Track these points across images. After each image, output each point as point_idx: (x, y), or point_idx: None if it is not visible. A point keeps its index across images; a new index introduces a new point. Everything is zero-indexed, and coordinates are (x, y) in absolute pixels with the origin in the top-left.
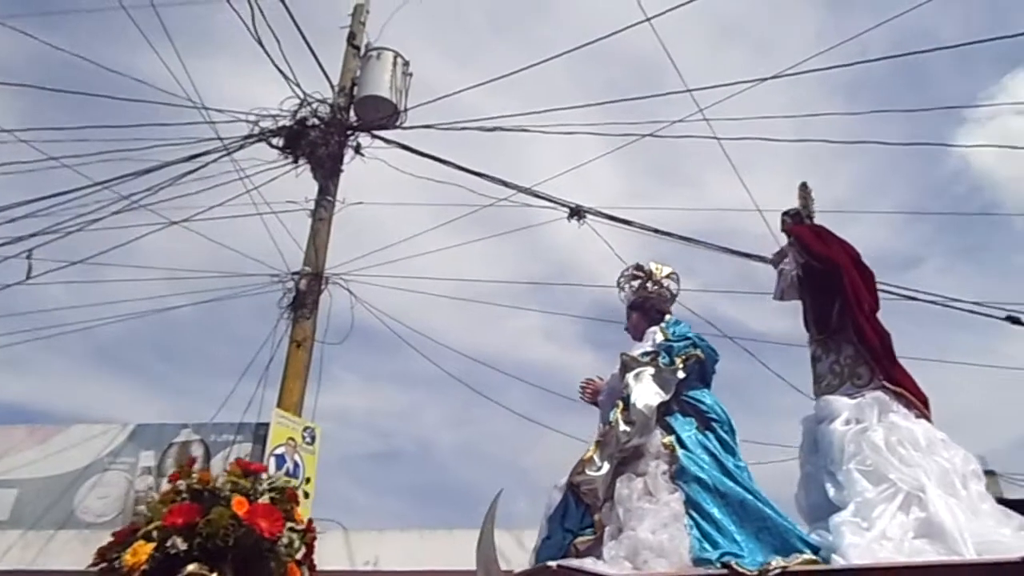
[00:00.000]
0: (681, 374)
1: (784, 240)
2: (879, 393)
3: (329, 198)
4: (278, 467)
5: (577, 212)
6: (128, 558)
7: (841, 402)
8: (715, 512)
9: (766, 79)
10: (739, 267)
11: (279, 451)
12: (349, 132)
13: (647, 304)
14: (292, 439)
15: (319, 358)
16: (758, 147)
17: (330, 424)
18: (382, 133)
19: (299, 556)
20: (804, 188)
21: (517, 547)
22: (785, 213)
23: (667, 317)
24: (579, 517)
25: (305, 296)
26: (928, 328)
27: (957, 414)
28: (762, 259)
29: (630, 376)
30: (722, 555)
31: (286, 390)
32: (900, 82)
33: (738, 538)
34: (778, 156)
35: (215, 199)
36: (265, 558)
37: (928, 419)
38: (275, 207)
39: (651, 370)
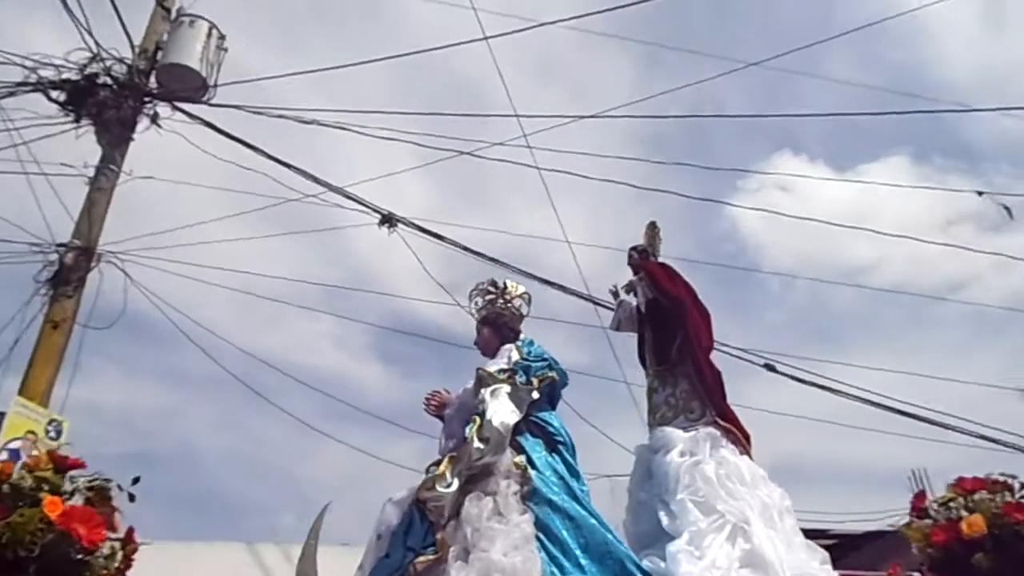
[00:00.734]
0: (536, 395)
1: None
2: (711, 428)
3: (113, 167)
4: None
5: (389, 219)
6: None
7: (676, 434)
8: (564, 535)
9: (586, 116)
10: (534, 295)
11: (14, 445)
12: (147, 99)
13: (499, 321)
14: (33, 432)
15: (77, 343)
16: (563, 182)
17: (78, 419)
18: (185, 106)
19: (114, 569)
20: (652, 227)
21: (283, 560)
22: (633, 249)
23: (521, 336)
24: (422, 535)
25: (70, 272)
26: None
27: None
28: (563, 288)
29: (486, 392)
30: None
31: (32, 376)
32: (693, 145)
33: (583, 562)
34: (580, 193)
35: None
36: (77, 570)
37: (750, 455)
38: (46, 168)
39: (507, 388)
